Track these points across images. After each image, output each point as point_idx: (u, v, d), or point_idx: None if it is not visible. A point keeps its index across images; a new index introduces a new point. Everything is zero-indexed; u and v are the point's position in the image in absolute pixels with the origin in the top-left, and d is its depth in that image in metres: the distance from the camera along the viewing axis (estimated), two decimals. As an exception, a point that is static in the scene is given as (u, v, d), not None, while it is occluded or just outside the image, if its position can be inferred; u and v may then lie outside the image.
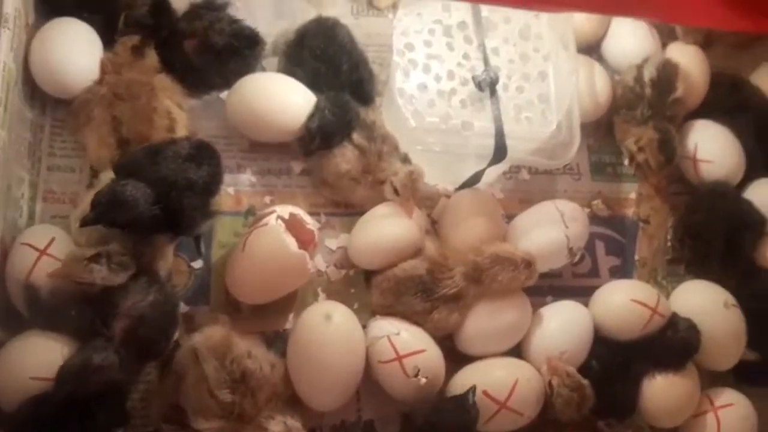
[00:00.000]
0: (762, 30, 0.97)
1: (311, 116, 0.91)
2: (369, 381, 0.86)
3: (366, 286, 0.92)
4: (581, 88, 1.01)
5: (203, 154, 0.81)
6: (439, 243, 0.93)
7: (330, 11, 1.00)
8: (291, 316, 0.89)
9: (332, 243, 0.93)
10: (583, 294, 0.97)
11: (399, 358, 0.84)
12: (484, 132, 0.92)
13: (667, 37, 1.10)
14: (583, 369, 0.90)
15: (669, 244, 1.04)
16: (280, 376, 0.82)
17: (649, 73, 1.02)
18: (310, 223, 0.89)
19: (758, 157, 1.05)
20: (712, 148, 1.04)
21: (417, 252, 0.90)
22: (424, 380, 0.83)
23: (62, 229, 0.82)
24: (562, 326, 0.92)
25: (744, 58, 1.15)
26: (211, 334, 0.80)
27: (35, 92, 0.89)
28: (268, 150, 0.95)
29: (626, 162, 1.06)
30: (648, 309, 0.92)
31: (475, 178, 0.95)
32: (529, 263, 0.89)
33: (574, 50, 0.98)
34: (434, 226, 0.96)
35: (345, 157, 0.91)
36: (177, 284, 0.86)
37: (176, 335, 0.81)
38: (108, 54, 0.88)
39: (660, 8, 0.82)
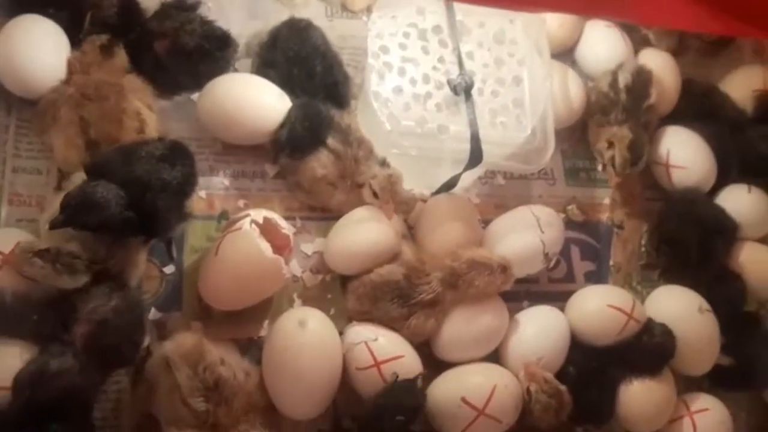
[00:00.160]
0: (734, 33, 0.98)
1: (281, 126, 0.89)
2: (346, 388, 0.85)
3: (342, 292, 0.90)
4: (555, 93, 1.02)
5: (177, 154, 0.79)
6: (416, 248, 0.92)
7: (303, 13, 1.00)
8: (266, 322, 0.87)
9: (308, 248, 0.92)
10: (559, 299, 0.97)
11: (377, 364, 0.83)
12: (460, 136, 0.92)
13: (639, 43, 1.11)
14: (561, 375, 0.90)
15: (643, 249, 1.05)
16: (254, 384, 0.80)
17: (624, 79, 1.03)
18: (285, 227, 0.87)
19: (729, 163, 1.06)
20: (685, 154, 1.04)
21: (394, 257, 0.89)
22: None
23: (28, 232, 0.79)
24: (539, 332, 0.92)
25: (712, 66, 1.17)
26: (182, 341, 0.78)
27: (-1, 92, 0.86)
28: (241, 152, 0.93)
29: (600, 168, 1.06)
30: (624, 314, 0.92)
31: (451, 183, 0.94)
32: (505, 268, 0.89)
33: (548, 55, 0.99)
34: (411, 231, 0.95)
35: (320, 162, 0.89)
36: (148, 290, 0.84)
37: (147, 342, 0.79)
38: (76, 53, 0.86)
39: (634, 10, 0.83)
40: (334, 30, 1.00)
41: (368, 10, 1.04)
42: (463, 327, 0.88)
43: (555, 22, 1.06)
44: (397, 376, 0.82)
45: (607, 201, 1.06)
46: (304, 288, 0.90)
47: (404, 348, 0.86)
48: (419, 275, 0.87)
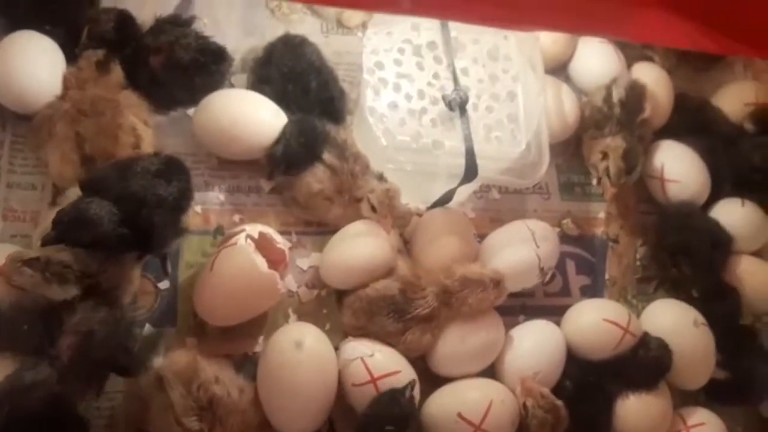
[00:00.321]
0: (726, 51, 0.99)
1: (276, 142, 0.90)
2: (341, 405, 0.84)
3: (338, 307, 0.90)
4: (549, 108, 1.02)
5: (173, 170, 0.79)
6: (412, 262, 0.92)
7: (299, 29, 1.00)
8: (261, 338, 0.87)
9: (303, 262, 0.92)
10: (554, 313, 0.97)
11: (373, 380, 0.82)
12: (455, 151, 0.92)
13: (632, 58, 1.12)
14: (557, 389, 0.90)
15: (638, 263, 1.05)
16: (249, 402, 0.80)
17: (617, 94, 1.03)
18: (281, 242, 0.87)
19: (722, 177, 1.07)
20: (679, 168, 1.05)
21: (389, 271, 0.89)
22: None
23: (22, 248, 0.79)
24: (535, 346, 0.92)
25: (703, 81, 1.18)
26: (176, 358, 0.77)
27: (-6, 107, 0.86)
28: (236, 167, 0.93)
29: (594, 182, 1.07)
30: (620, 328, 0.92)
31: (446, 197, 0.94)
32: (497, 282, 0.89)
33: (542, 71, 0.99)
34: (406, 245, 0.95)
35: (317, 177, 0.89)
36: (143, 305, 0.84)
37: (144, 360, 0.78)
38: (71, 69, 0.86)
39: (626, 27, 0.83)
40: (330, 46, 1.00)
41: (363, 26, 1.04)
42: (458, 342, 0.88)
43: (549, 38, 1.07)
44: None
45: (601, 215, 1.07)
46: (300, 303, 0.90)
47: (400, 363, 0.85)
48: (415, 290, 0.87)
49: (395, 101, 0.94)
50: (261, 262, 0.82)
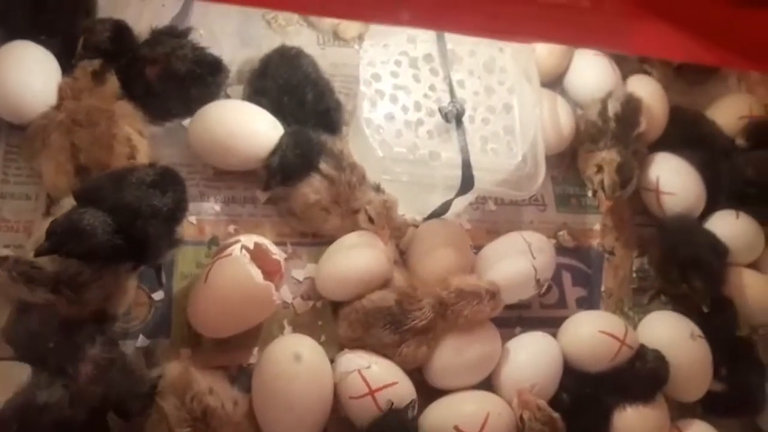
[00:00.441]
0: (722, 64, 1.00)
1: (272, 153, 0.89)
2: (335, 418, 0.84)
3: (333, 318, 0.90)
4: (545, 120, 1.02)
5: (168, 180, 0.79)
6: (408, 273, 0.92)
7: (295, 41, 1.00)
8: (255, 350, 0.86)
9: (299, 273, 0.91)
10: (551, 325, 0.96)
11: (371, 392, 0.82)
12: (451, 163, 0.92)
13: (627, 71, 1.13)
14: (554, 402, 0.90)
15: (634, 275, 1.05)
16: (243, 414, 0.79)
17: (613, 108, 1.04)
18: (276, 253, 0.87)
19: (717, 189, 1.07)
20: (675, 180, 1.05)
21: (385, 283, 0.89)
22: None
23: (15, 258, 0.78)
24: (532, 358, 0.91)
25: (698, 94, 1.18)
26: (170, 370, 0.77)
27: (-12, 117, 0.86)
28: (232, 178, 0.93)
29: (590, 194, 1.07)
30: (616, 340, 0.92)
31: (443, 209, 0.94)
32: (493, 294, 0.88)
33: (537, 83, 1.00)
34: (402, 257, 0.95)
35: (313, 188, 0.89)
36: (137, 316, 0.83)
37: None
38: (67, 79, 0.86)
39: (622, 40, 0.84)
40: (326, 58, 1.01)
41: (360, 38, 1.05)
42: (455, 354, 0.88)
43: (544, 51, 1.08)
44: (392, 404, 0.81)
45: (597, 227, 1.07)
46: (295, 314, 0.90)
47: (397, 375, 0.85)
48: (411, 301, 0.87)
49: (392, 113, 0.94)
50: (256, 273, 0.82)
